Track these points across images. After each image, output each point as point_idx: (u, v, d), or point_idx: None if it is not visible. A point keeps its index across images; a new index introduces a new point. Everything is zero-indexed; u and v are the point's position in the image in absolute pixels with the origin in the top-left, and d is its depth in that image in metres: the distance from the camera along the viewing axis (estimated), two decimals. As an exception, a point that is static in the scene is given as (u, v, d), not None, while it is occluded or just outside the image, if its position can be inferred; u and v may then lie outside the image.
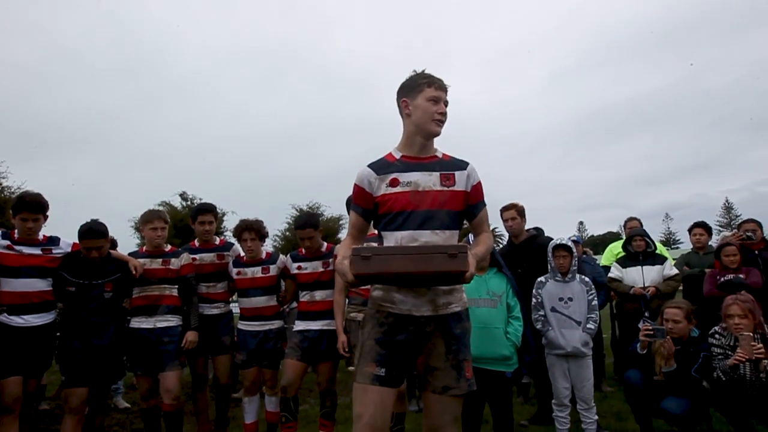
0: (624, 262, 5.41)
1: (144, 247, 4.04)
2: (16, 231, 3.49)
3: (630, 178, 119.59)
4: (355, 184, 2.34)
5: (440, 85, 2.26)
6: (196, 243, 4.34)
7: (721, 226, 53.70)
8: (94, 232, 3.58)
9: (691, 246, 5.93)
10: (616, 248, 6.39)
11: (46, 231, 3.68)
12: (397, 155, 2.33)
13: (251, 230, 4.10)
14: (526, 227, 4.84)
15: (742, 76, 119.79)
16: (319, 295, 4.00)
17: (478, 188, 2.33)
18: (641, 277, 5.25)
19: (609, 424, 4.26)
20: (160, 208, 11.92)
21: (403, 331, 2.23)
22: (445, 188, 2.26)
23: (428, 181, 2.26)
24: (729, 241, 5.10)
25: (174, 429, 3.80)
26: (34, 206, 3.41)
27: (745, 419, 3.55)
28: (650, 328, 3.58)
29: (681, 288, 5.52)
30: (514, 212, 4.67)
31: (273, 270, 4.18)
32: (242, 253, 4.25)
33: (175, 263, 3.94)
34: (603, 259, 6.53)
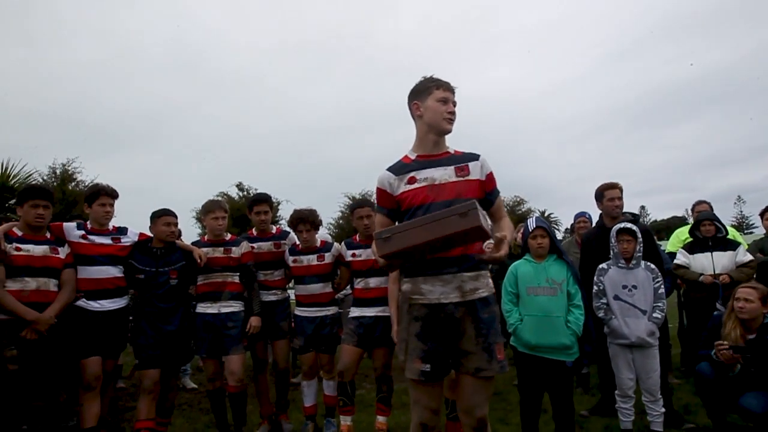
0: (692, 248, 5.11)
1: (206, 237, 4.19)
2: (89, 222, 3.72)
3: (697, 159, 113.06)
4: (377, 188, 2.52)
5: (447, 87, 2.43)
6: (254, 232, 4.47)
7: None
8: (168, 210, 3.85)
9: (765, 231, 5.54)
10: (683, 234, 6.05)
11: (115, 222, 3.92)
12: (413, 156, 2.49)
13: (305, 221, 4.18)
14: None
15: None
16: (373, 282, 4.03)
17: (491, 177, 2.47)
18: (711, 263, 4.95)
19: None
20: (219, 198, 12.31)
21: (438, 322, 2.34)
22: (461, 178, 2.39)
23: (444, 174, 2.40)
24: None
25: (238, 409, 3.97)
26: (41, 193, 3.47)
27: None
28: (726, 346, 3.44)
29: (754, 277, 5.18)
30: (619, 191, 4.40)
31: (328, 258, 4.25)
32: (298, 242, 4.34)
33: (236, 251, 4.07)
34: (669, 245, 6.21)
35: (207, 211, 4.11)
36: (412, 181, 2.42)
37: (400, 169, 2.48)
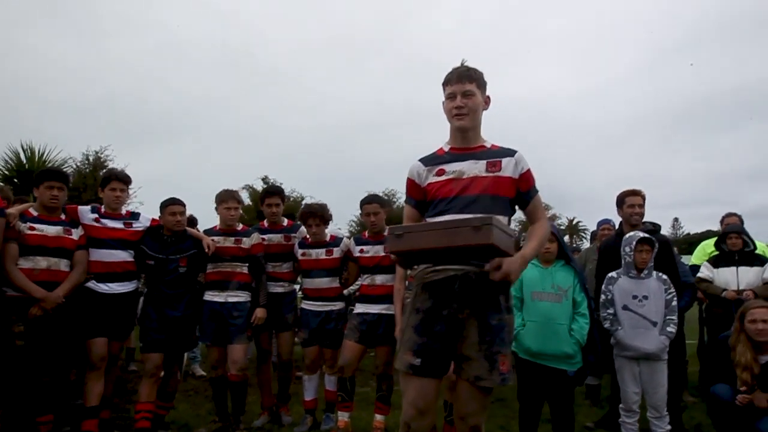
0: (716, 261, 4.90)
1: (218, 226, 4.25)
2: (103, 206, 3.82)
3: (736, 171, 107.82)
4: (407, 178, 2.44)
5: (456, 79, 2.30)
6: (265, 223, 4.51)
7: None
8: (174, 199, 3.89)
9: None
10: (709, 246, 5.80)
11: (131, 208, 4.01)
12: (446, 148, 2.41)
13: (315, 216, 4.18)
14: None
15: None
16: (379, 279, 4.01)
17: (527, 175, 2.32)
18: (735, 278, 4.73)
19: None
20: (243, 190, 12.51)
21: (440, 319, 2.23)
22: (491, 174, 2.28)
23: (474, 168, 2.29)
24: None
25: (238, 398, 4.01)
26: (56, 175, 3.61)
27: None
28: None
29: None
30: (641, 198, 4.24)
31: (336, 252, 4.25)
32: (308, 235, 4.36)
33: (246, 242, 4.11)
34: (693, 258, 5.96)
35: (220, 200, 4.17)
36: (440, 173, 2.34)
37: (431, 160, 2.40)
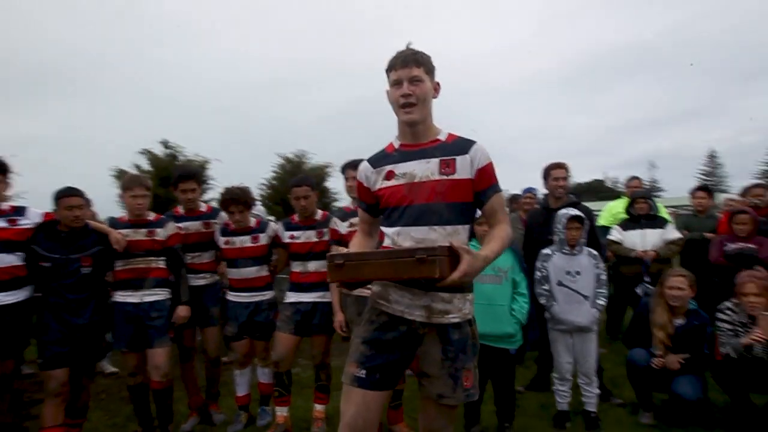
0: (625, 225, 5.26)
1: (125, 216, 3.73)
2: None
3: (617, 126, 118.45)
4: (357, 180, 2.25)
5: (401, 64, 2.03)
6: (180, 210, 4.05)
7: (704, 174, 54.45)
8: (72, 188, 3.32)
9: (693, 208, 5.80)
10: (614, 208, 6.23)
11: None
12: (396, 144, 2.17)
13: (238, 203, 3.81)
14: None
15: (733, 26, 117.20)
16: (312, 266, 3.80)
17: (485, 171, 2.05)
18: (642, 240, 5.13)
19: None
20: (142, 155, 11.35)
21: (393, 329, 2.08)
22: (445, 177, 2.03)
23: (426, 170, 2.05)
24: (742, 207, 4.94)
25: (163, 407, 3.67)
26: None
27: (744, 392, 3.53)
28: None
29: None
30: (565, 171, 4.31)
31: (263, 239, 3.94)
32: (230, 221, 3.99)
33: (161, 233, 3.67)
34: (601, 219, 6.38)
35: (125, 187, 3.64)
36: (390, 175, 2.11)
37: (379, 160, 2.16)
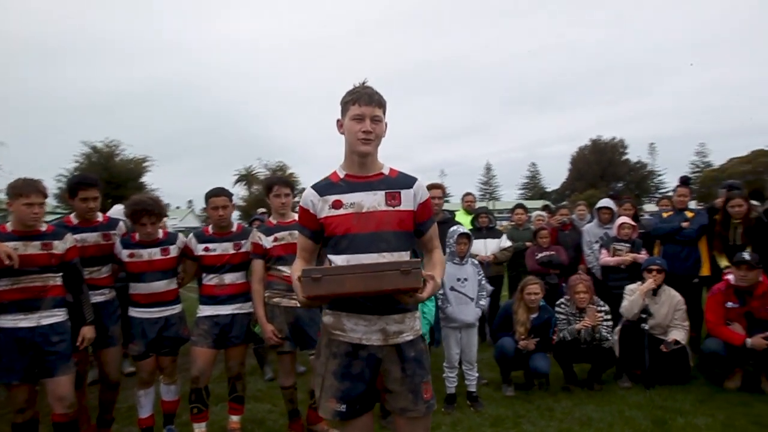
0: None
1: (12, 227, 3.20)
2: None
3: (416, 135, 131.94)
4: (300, 206, 2.31)
5: (366, 101, 2.13)
6: (73, 220, 3.63)
7: (482, 183, 65.72)
8: None
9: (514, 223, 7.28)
10: (463, 222, 7.38)
11: None
12: (341, 174, 2.26)
13: (151, 214, 3.60)
14: None
15: (513, 55, 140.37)
16: (228, 278, 3.80)
17: (425, 205, 2.27)
18: (484, 247, 6.30)
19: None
20: None
21: (356, 357, 2.20)
22: (391, 208, 2.18)
23: (372, 201, 2.18)
24: (543, 225, 6.51)
25: (69, 441, 3.27)
26: None
27: (570, 363, 4.76)
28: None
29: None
30: (441, 191, 5.03)
31: (173, 251, 3.78)
32: (136, 233, 3.71)
33: (59, 246, 3.26)
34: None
35: (17, 194, 3.13)
36: (337, 205, 2.19)
37: (325, 188, 2.23)
